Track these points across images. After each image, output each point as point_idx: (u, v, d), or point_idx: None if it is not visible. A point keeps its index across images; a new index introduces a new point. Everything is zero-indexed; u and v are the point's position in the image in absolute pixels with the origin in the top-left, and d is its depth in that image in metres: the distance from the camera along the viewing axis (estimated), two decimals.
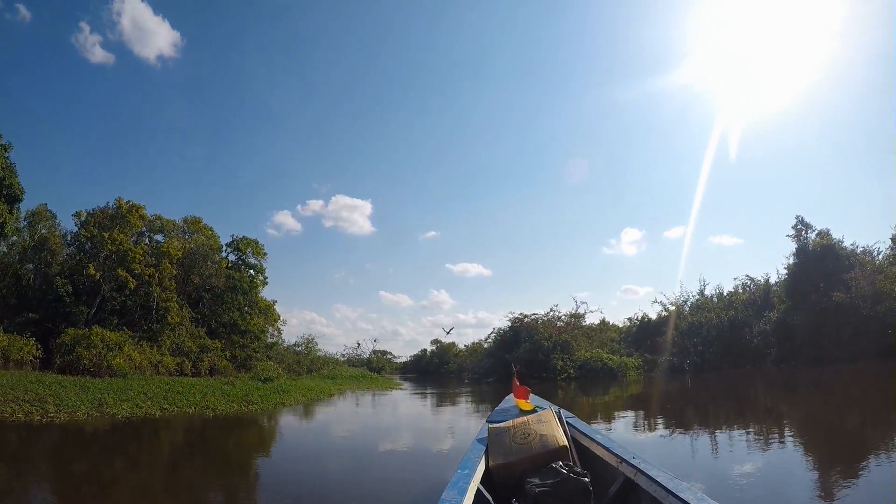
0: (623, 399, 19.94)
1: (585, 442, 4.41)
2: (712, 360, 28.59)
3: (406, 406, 21.11)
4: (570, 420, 4.85)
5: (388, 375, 53.94)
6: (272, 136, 77.58)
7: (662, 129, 74.00)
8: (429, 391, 30.04)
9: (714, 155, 51.38)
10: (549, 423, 4.16)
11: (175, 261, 29.43)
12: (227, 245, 35.92)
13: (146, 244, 30.04)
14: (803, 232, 27.72)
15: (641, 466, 3.44)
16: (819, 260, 25.98)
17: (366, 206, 75.61)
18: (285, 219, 72.51)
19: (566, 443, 4.01)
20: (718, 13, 60.60)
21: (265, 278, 37.50)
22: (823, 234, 27.06)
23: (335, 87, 78.77)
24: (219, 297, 32.04)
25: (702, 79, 64.42)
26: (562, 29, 74.07)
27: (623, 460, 3.67)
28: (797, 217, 28.00)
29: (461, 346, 53.60)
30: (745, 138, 56.22)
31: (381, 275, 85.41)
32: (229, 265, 35.14)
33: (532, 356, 30.18)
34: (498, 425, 4.36)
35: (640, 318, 37.08)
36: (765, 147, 66.91)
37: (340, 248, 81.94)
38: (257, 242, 36.84)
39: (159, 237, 31.66)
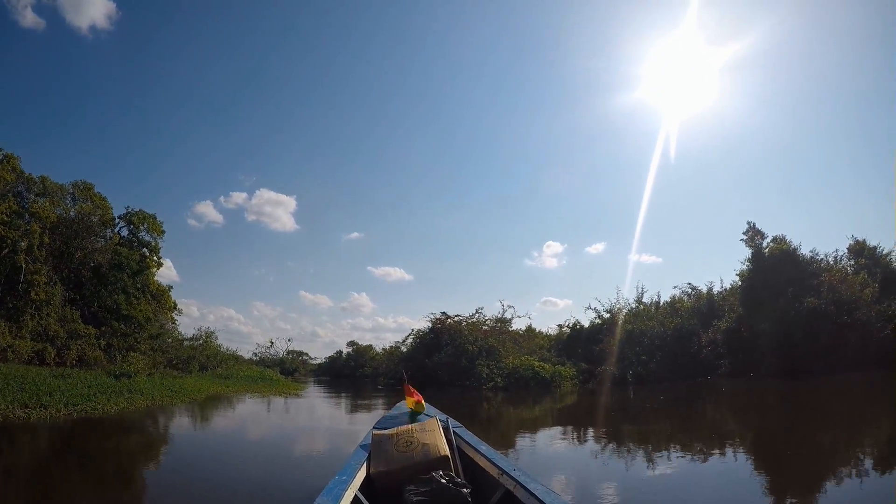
0: (556, 412, 18.69)
1: (470, 452, 4.53)
2: (657, 370, 27.09)
3: (291, 418, 18.31)
4: (457, 430, 4.98)
5: (301, 377, 53.47)
6: (199, 123, 75.55)
7: (595, 149, 76.99)
8: (334, 396, 27.85)
9: (653, 181, 54.29)
10: (432, 433, 4.32)
11: (49, 226, 26.25)
12: (119, 218, 32.43)
13: (20, 206, 26.65)
14: (755, 238, 27.08)
15: (521, 479, 3.57)
16: (778, 266, 25.26)
17: (290, 203, 74.82)
18: (207, 209, 70.98)
19: (448, 452, 4.14)
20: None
21: (159, 258, 34.46)
22: (779, 240, 26.44)
23: (270, 79, 78.25)
24: (103, 276, 28.91)
25: (641, 104, 67.00)
26: (506, 45, 76.07)
27: (504, 472, 3.80)
28: (749, 223, 27.56)
29: (379, 349, 52.42)
30: (676, 162, 62.31)
31: (302, 274, 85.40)
32: (120, 241, 31.87)
33: (455, 362, 28.20)
34: (382, 432, 4.49)
35: (571, 325, 35.92)
36: (691, 173, 71.31)
37: (262, 244, 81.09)
38: (155, 218, 33.54)
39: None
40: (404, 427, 4.51)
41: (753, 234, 27.25)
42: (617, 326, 30.26)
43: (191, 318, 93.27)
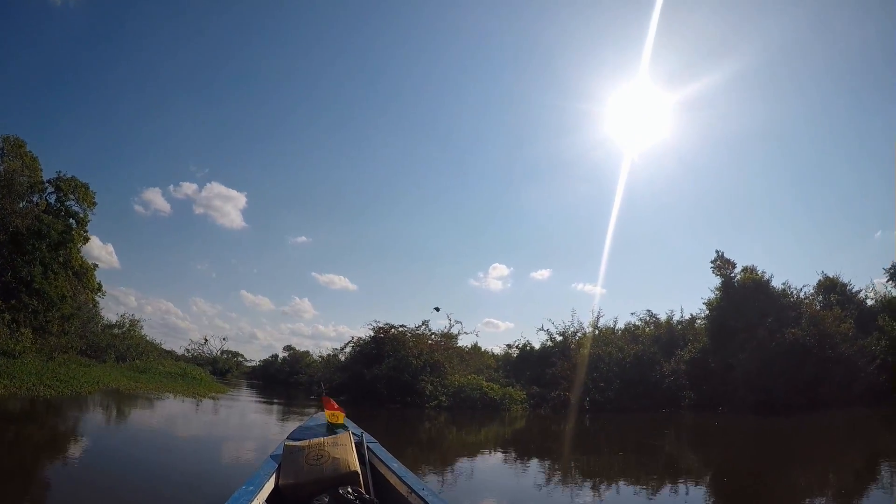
0: (504, 437, 18.08)
1: (381, 469, 4.62)
2: (616, 398, 26.21)
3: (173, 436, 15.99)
4: (370, 445, 5.04)
5: (233, 379, 54.35)
6: (158, 106, 74.79)
7: (553, 179, 79.71)
8: (264, 402, 26.58)
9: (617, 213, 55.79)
10: (344, 447, 4.40)
11: None
12: (48, 182, 30.54)
13: None
14: (725, 267, 27.00)
15: (428, 499, 3.70)
16: (751, 296, 25.08)
17: (240, 199, 74.98)
18: (155, 196, 70.84)
19: (358, 468, 4.22)
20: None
21: (86, 232, 32.86)
22: (750, 271, 26.35)
23: (235, 72, 78.76)
24: (20, 244, 26.74)
25: (602, 141, 69.07)
26: (484, 72, 78.56)
27: (412, 491, 3.91)
28: (717, 252, 27.52)
29: (316, 356, 51.03)
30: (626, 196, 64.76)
31: (246, 273, 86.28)
32: (47, 207, 29.84)
33: (396, 375, 26.70)
34: (295, 443, 4.54)
35: (520, 345, 34.90)
36: (638, 208, 74.58)
37: (208, 239, 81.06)
38: (87, 187, 31.80)
39: None
40: (317, 440, 4.59)
41: (722, 264, 27.21)
42: (571, 350, 29.63)
43: (128, 307, 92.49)
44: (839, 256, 57.23)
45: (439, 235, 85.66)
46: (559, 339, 31.71)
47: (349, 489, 3.86)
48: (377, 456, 4.83)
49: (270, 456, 4.56)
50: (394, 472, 4.35)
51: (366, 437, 5.25)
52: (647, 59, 46.94)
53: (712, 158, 69.71)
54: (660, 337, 30.66)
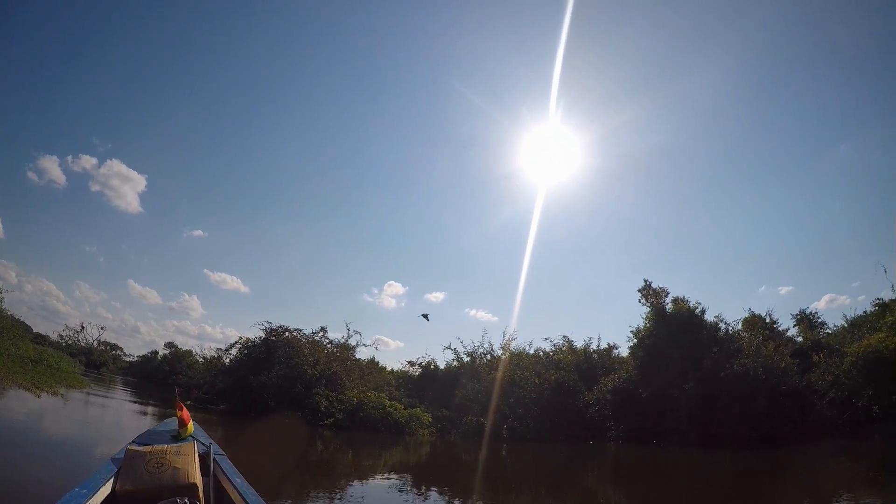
0: (412, 466, 17.10)
1: (225, 483, 4.67)
2: (536, 427, 25.19)
3: None
4: (218, 457, 5.03)
5: (108, 374, 54.18)
6: (68, 64, 74.45)
7: (460, 206, 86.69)
8: (140, 405, 25.05)
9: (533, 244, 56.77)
10: (185, 457, 4.40)
11: None
12: None
13: None
14: (655, 296, 27.05)
15: None
16: (687, 326, 25.08)
17: (140, 182, 74.34)
18: (51, 166, 69.70)
19: (197, 480, 4.26)
20: None
21: None
22: (680, 301, 26.42)
23: (155, 47, 78.83)
24: None
25: (512, 176, 74.27)
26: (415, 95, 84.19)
27: None
28: (645, 280, 27.57)
29: (199, 357, 48.33)
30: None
31: (136, 262, 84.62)
32: None
33: (287, 385, 24.89)
34: (137, 448, 4.51)
35: (424, 363, 34.32)
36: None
37: (100, 220, 79.39)
38: None
39: None
40: (160, 446, 4.57)
41: (651, 293, 27.32)
42: (481, 372, 29.08)
43: (7, 283, 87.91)
44: (735, 303, 62.30)
45: (337, 246, 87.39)
46: (467, 360, 31.18)
47: (186, 501, 3.82)
48: (222, 469, 4.83)
49: (111, 459, 4.49)
50: (236, 489, 4.37)
51: (214, 448, 5.22)
52: (554, 100, 50.73)
53: (613, 196, 76.30)
54: (580, 364, 29.97)
